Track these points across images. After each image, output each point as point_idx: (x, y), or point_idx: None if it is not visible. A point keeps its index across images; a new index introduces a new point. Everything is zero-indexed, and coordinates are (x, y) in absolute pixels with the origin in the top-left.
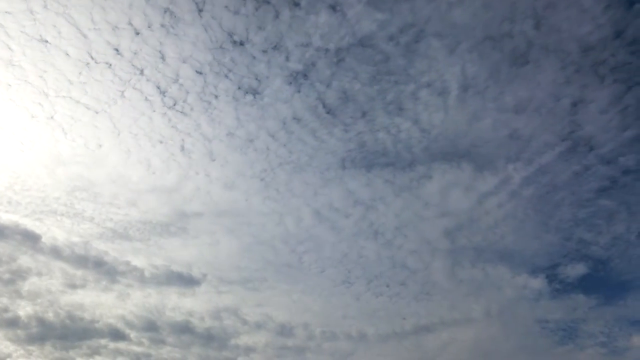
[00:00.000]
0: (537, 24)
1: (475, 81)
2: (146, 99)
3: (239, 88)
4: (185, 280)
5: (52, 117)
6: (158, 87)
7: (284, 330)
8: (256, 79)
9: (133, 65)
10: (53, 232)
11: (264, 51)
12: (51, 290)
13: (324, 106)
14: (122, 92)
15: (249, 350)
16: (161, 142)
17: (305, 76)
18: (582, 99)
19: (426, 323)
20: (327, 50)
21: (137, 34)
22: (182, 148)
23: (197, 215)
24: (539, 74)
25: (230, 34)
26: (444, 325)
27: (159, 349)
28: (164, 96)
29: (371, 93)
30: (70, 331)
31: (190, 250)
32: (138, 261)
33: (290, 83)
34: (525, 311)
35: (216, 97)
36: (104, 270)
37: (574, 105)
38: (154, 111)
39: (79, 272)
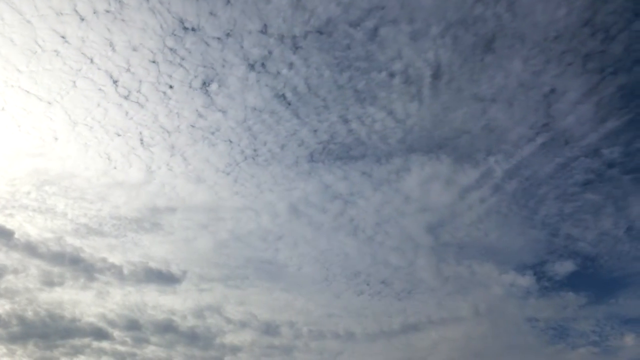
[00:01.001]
0: (509, 6)
1: (449, 68)
2: (99, 89)
3: (196, 77)
4: (165, 278)
5: (2, 109)
6: (111, 77)
7: (270, 329)
8: (212, 68)
9: (82, 54)
10: (25, 228)
11: (218, 38)
12: (29, 288)
13: (288, 96)
14: (74, 81)
15: (235, 349)
16: (119, 135)
17: (263, 65)
18: (557, 89)
19: (414, 322)
20: (285, 37)
21: (82, 20)
22: (142, 141)
23: (169, 211)
24: (512, 62)
25: (181, 20)
26: (433, 324)
27: (143, 348)
28: (117, 86)
29: (340, 81)
30: (52, 330)
31: (166, 247)
32: (114, 258)
33: (249, 72)
34: (514, 309)
35: (171, 87)
36: (81, 267)
37: (550, 95)
38: (108, 102)
39: (56, 270)
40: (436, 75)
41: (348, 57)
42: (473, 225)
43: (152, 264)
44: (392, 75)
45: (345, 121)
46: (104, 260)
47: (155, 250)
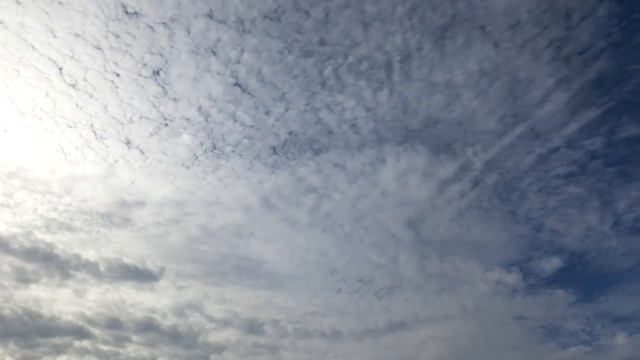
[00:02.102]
0: None
1: (418, 53)
2: (45, 77)
3: (144, 65)
4: (142, 275)
5: None
6: (55, 64)
7: (253, 328)
8: (160, 55)
9: (23, 40)
10: None
11: (163, 24)
12: (4, 285)
13: (244, 84)
14: (18, 70)
15: (220, 348)
16: (70, 126)
17: (213, 52)
18: (531, 76)
19: (401, 320)
20: (232, 22)
21: (19, 3)
22: (95, 133)
23: (138, 205)
24: (484, 46)
25: (123, 5)
26: (420, 323)
27: (125, 348)
28: (62, 74)
29: (305, 66)
30: (32, 328)
31: (140, 243)
32: (87, 254)
33: (199, 59)
34: (502, 308)
35: (118, 75)
36: (55, 264)
37: (524, 83)
38: (55, 91)
39: (30, 266)
40: (405, 60)
41: (311, 41)
42: (454, 220)
43: (127, 261)
44: (359, 60)
45: (314, 109)
46: (77, 256)
47: (129, 246)
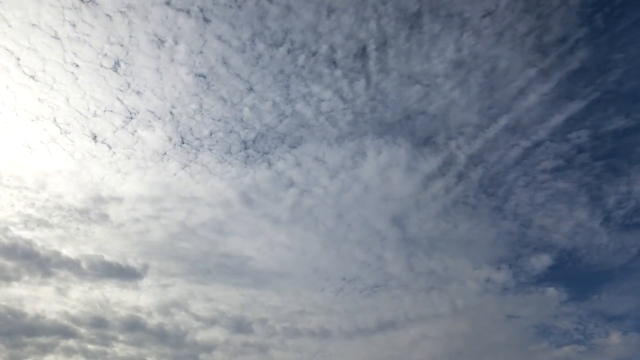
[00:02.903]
0: None
1: (395, 41)
2: (3, 68)
3: (105, 56)
4: (125, 273)
5: None
6: (12, 54)
7: (241, 327)
8: (120, 45)
9: None
10: None
11: (121, 12)
12: None
13: (208, 75)
14: None
15: (209, 347)
16: (33, 120)
17: (175, 41)
18: (512, 66)
19: (391, 319)
20: (191, 9)
21: None
22: (59, 128)
23: (115, 201)
24: (463, 34)
25: None
26: (411, 322)
27: (112, 347)
28: (20, 65)
29: (276, 55)
30: (16, 327)
31: (120, 240)
32: (67, 251)
33: (160, 49)
34: (493, 306)
35: (78, 66)
36: (36, 261)
37: (506, 73)
38: (15, 82)
39: (10, 264)
40: (381, 49)
41: (283, 28)
42: (440, 216)
43: (108, 258)
44: (333, 48)
45: (289, 100)
46: (57, 253)
47: (108, 242)
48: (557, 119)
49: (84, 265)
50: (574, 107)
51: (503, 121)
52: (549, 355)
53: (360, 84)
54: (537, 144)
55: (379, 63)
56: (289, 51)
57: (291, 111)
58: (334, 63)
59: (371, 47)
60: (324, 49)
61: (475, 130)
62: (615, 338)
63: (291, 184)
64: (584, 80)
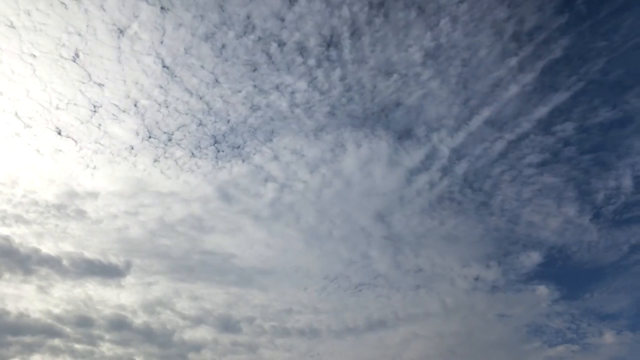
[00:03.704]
0: None
1: (369, 27)
2: None
3: (63, 46)
4: (107, 271)
5: None
6: None
7: (229, 326)
8: (79, 34)
9: None
10: None
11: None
12: None
13: (172, 66)
14: None
15: (198, 346)
16: None
17: (134, 31)
18: (493, 54)
19: (380, 318)
20: None
21: None
22: (22, 122)
23: (91, 196)
24: (440, 21)
25: None
26: (401, 321)
27: (99, 346)
28: None
29: (245, 45)
30: (0, 326)
31: (99, 237)
32: (46, 247)
33: (120, 39)
34: (483, 305)
35: (35, 56)
36: (16, 259)
37: (487, 62)
38: None
39: None
40: (355, 36)
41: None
42: (425, 213)
43: (89, 255)
44: (305, 36)
45: (263, 91)
46: (36, 251)
47: (87, 239)
48: (541, 111)
49: (65, 262)
50: (558, 98)
51: (485, 113)
52: (542, 354)
53: (336, 74)
54: (522, 137)
55: (353, 52)
56: (258, 39)
57: (265, 103)
58: (306, 52)
59: (344, 35)
60: (295, 37)
61: (457, 123)
62: (609, 337)
63: (270, 178)
64: (567, 70)
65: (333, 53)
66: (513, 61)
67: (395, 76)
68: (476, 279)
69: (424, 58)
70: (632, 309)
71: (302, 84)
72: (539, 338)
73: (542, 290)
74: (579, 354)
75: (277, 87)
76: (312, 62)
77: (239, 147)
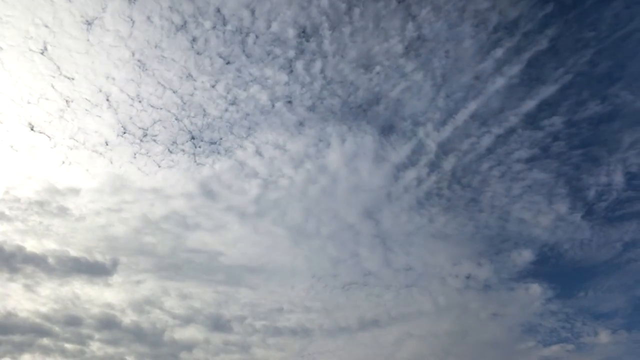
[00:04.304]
0: None
1: (349, 17)
2: None
3: (31, 38)
4: (93, 269)
5: None
6: None
7: (219, 325)
8: (46, 26)
9: None
10: None
11: None
12: None
13: (143, 59)
14: None
15: (189, 345)
16: None
17: (102, 24)
18: (476, 46)
19: (373, 317)
20: None
21: None
22: None
23: (72, 192)
24: (421, 10)
25: None
26: (394, 320)
27: (89, 346)
28: None
29: (221, 36)
30: None
31: (83, 234)
32: (30, 245)
33: (88, 32)
34: (476, 304)
35: (2, 49)
36: (1, 257)
37: (471, 54)
38: None
39: None
40: (336, 27)
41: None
42: (414, 210)
43: (74, 253)
44: (282, 27)
45: (243, 84)
46: (21, 248)
47: (71, 237)
48: (529, 105)
49: (50, 260)
50: (545, 91)
51: (471, 106)
52: (537, 354)
53: (316, 66)
54: (509, 132)
55: (333, 43)
56: (233, 32)
57: (245, 96)
58: (284, 44)
59: (323, 25)
60: (273, 28)
61: (442, 116)
62: (604, 337)
63: (253, 174)
64: (553, 62)
65: (312, 44)
66: (498, 52)
67: (377, 68)
68: (468, 277)
69: (406, 49)
70: (627, 308)
71: (282, 77)
72: (533, 337)
73: (536, 288)
74: (574, 353)
75: (256, 80)
76: (291, 53)
77: (217, 142)
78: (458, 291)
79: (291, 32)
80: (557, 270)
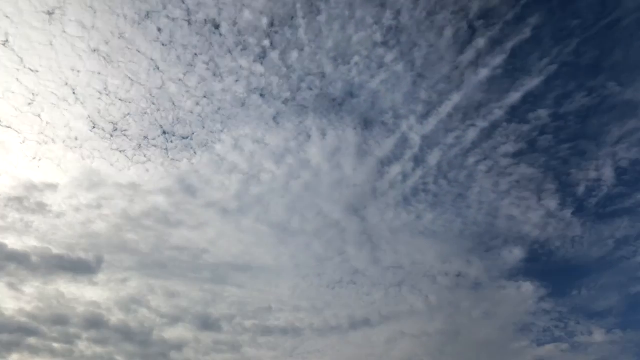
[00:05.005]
0: None
1: (326, 4)
2: None
3: None
4: (77, 267)
5: None
6: None
7: (208, 324)
8: (6, 17)
9: None
10: None
11: None
12: None
13: (104, 50)
14: None
15: (179, 345)
16: None
17: (62, 14)
18: (459, 36)
19: (364, 316)
20: None
21: None
22: None
23: (50, 188)
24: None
25: None
26: (385, 319)
27: (77, 345)
28: None
29: (188, 27)
30: None
31: (64, 231)
32: (10, 242)
33: (50, 24)
34: (469, 303)
35: None
36: None
37: (453, 43)
38: None
39: None
40: (311, 14)
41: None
42: (401, 206)
43: (56, 251)
44: (256, 15)
45: (217, 75)
46: (2, 246)
47: (52, 233)
48: (513, 97)
49: (33, 258)
50: (530, 83)
51: (455, 98)
52: (532, 353)
53: (293, 55)
54: (495, 125)
55: (309, 32)
56: (204, 21)
57: (220, 88)
58: (257, 31)
59: (299, 13)
60: (245, 16)
61: (425, 109)
62: (598, 336)
63: (233, 169)
64: (537, 52)
65: (288, 33)
66: (480, 42)
67: (355, 58)
68: (458, 275)
69: (385, 38)
70: (621, 307)
71: (258, 68)
72: (526, 337)
73: (528, 287)
74: (568, 353)
75: (229, 72)
76: (266, 43)
77: (189, 137)
78: (449, 290)
79: (264, 21)
80: (549, 268)
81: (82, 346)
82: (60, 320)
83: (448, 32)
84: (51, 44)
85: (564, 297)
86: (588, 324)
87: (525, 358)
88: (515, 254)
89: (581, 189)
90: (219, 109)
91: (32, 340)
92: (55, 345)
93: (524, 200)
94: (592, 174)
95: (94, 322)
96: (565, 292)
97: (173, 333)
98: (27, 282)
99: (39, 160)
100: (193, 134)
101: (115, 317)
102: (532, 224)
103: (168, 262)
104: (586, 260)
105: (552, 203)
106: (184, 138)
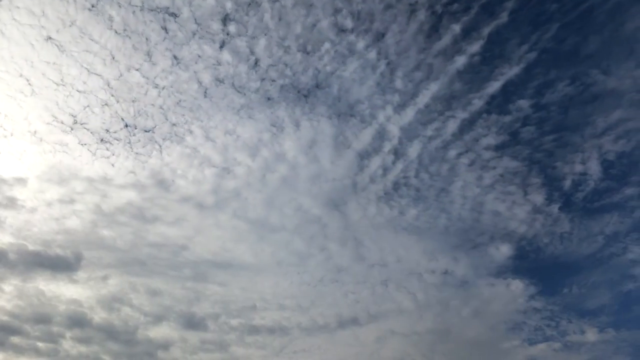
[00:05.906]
0: None
1: None
2: None
3: None
4: (56, 264)
5: None
6: None
7: (193, 323)
8: None
9: None
10: None
11: None
12: None
13: (58, 40)
14: None
15: (165, 344)
16: None
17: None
18: (433, 21)
19: (351, 315)
20: None
21: None
22: None
23: (19, 182)
24: None
25: None
26: (374, 317)
27: (61, 345)
28: None
29: (150, 15)
30: None
31: (38, 227)
32: None
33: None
34: (457, 301)
35: None
36: None
37: (427, 29)
38: None
39: None
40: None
41: None
42: (382, 201)
43: (32, 247)
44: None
45: (183, 64)
46: None
47: (26, 230)
48: (493, 87)
49: (10, 255)
50: (510, 71)
51: (433, 87)
52: (523, 353)
53: (261, 42)
54: (475, 116)
55: (276, 15)
56: (159, 8)
57: (186, 77)
58: (227, 18)
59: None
60: (209, 3)
61: (402, 99)
62: (591, 335)
63: (206, 162)
64: (516, 38)
65: (254, 19)
66: (457, 28)
67: (327, 45)
68: (445, 273)
69: (356, 23)
70: (614, 305)
71: (225, 56)
72: (518, 336)
73: (517, 285)
74: (561, 352)
75: (196, 60)
76: (232, 29)
77: (151, 130)
78: (436, 288)
79: (229, 5)
80: (538, 266)
81: (67, 345)
82: (42, 319)
83: (420, 16)
84: (2, 33)
85: (554, 295)
86: (580, 323)
87: (517, 357)
88: (503, 251)
89: (567, 183)
90: (183, 100)
91: (16, 340)
92: (40, 344)
93: (509, 194)
94: (578, 167)
95: (77, 321)
96: (556, 290)
97: (158, 332)
98: (6, 279)
99: (2, 154)
100: (155, 126)
101: (98, 316)
102: (519, 219)
103: (147, 259)
104: (576, 257)
105: (538, 198)
106: (146, 131)
